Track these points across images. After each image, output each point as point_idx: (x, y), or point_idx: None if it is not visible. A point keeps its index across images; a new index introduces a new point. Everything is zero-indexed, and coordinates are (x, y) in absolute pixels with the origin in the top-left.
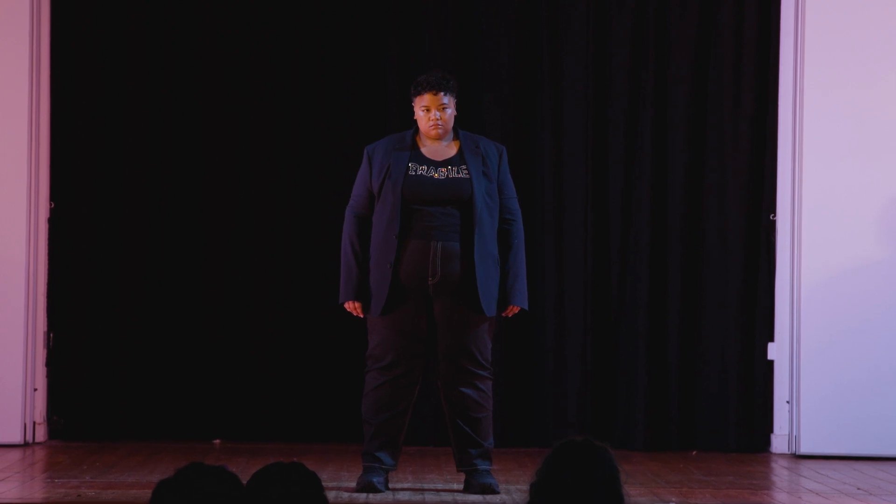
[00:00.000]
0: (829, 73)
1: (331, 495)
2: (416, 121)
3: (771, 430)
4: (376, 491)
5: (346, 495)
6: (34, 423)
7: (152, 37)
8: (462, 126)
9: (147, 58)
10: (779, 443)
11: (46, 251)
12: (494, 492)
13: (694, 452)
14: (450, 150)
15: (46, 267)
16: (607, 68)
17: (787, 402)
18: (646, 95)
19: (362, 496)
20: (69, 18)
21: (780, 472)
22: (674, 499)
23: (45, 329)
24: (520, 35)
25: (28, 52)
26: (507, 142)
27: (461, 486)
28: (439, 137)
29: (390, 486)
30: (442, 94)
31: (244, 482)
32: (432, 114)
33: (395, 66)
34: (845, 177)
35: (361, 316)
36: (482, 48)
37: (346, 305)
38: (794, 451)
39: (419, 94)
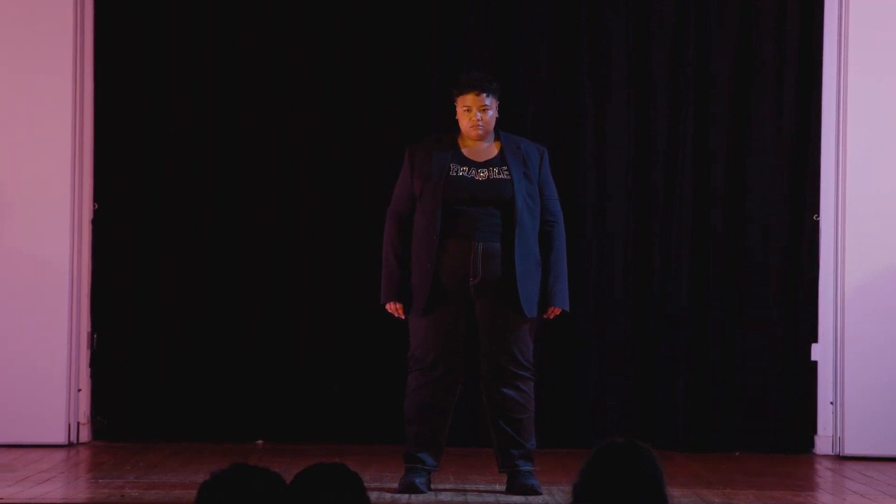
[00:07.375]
0: (873, 73)
1: (373, 496)
2: (457, 121)
3: (814, 431)
4: (418, 492)
5: (388, 496)
6: (78, 423)
7: (196, 37)
8: (503, 128)
9: (190, 59)
10: (822, 444)
11: (90, 252)
12: (537, 493)
13: (737, 453)
14: (491, 150)
15: (90, 268)
16: (648, 68)
17: (831, 403)
18: (688, 96)
19: (404, 497)
20: (113, 20)
21: (824, 474)
22: (716, 500)
23: (89, 330)
24: (559, 38)
25: (72, 54)
26: (549, 144)
27: (503, 488)
28: (480, 138)
29: (432, 486)
30: (484, 94)
31: (287, 482)
32: (474, 114)
33: (436, 69)
34: (890, 176)
35: (403, 317)
36: (522, 51)
37: (387, 307)
38: (837, 453)
39: (462, 93)
